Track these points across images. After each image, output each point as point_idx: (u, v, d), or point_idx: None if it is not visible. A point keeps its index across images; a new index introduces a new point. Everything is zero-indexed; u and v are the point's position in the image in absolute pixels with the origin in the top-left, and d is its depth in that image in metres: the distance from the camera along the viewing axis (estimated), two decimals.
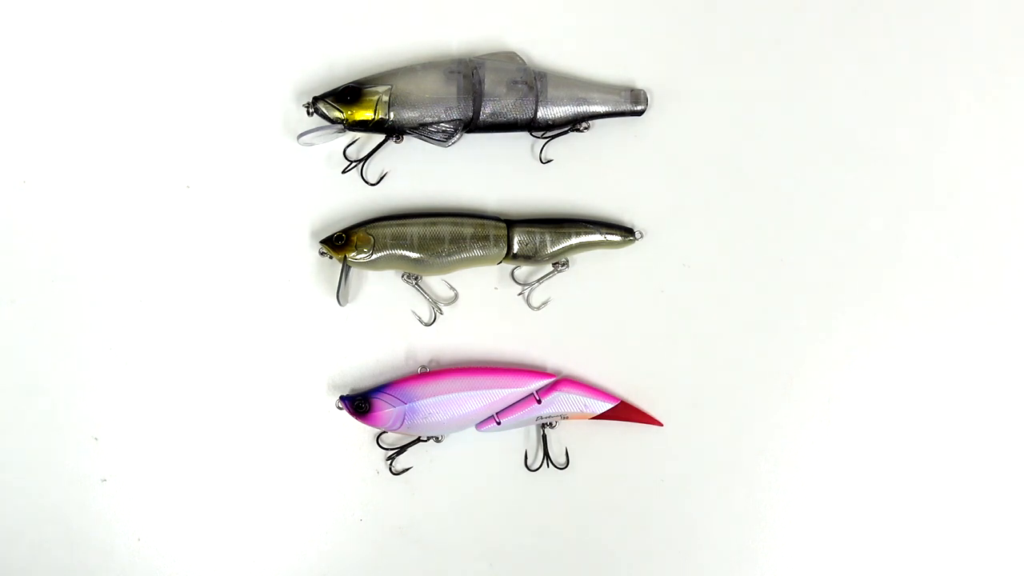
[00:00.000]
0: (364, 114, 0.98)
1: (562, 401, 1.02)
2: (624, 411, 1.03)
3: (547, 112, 1.00)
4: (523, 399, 1.01)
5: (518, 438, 1.05)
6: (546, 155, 1.03)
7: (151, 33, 1.04)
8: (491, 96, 0.99)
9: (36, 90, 1.04)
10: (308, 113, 0.99)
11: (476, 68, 1.00)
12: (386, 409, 1.00)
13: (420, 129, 0.99)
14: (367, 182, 1.03)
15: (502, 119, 1.00)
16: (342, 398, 1.01)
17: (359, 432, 1.04)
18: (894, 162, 1.05)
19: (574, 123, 1.01)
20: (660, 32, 1.05)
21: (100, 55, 1.04)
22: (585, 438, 1.05)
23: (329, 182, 1.03)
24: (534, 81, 1.00)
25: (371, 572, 1.06)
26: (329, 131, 1.00)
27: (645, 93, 1.03)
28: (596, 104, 1.01)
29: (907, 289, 1.05)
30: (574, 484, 1.05)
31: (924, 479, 1.06)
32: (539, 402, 1.01)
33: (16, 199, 1.04)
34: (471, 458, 1.05)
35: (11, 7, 1.04)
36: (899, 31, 1.06)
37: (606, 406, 1.03)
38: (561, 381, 1.03)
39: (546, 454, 1.04)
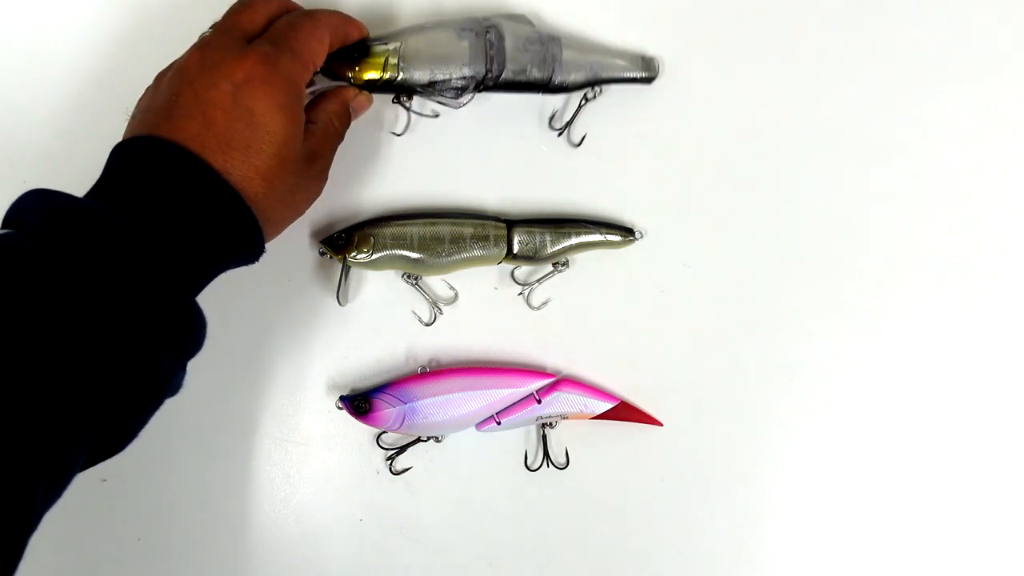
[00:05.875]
0: (371, 73, 0.95)
1: (562, 401, 1.02)
2: (624, 411, 1.03)
3: (560, 74, 0.98)
4: (523, 399, 1.01)
5: (518, 438, 1.05)
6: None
7: (151, 32, 1.04)
8: (503, 55, 0.96)
9: (36, 90, 1.04)
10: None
11: (488, 27, 0.97)
12: (386, 409, 0.99)
13: (430, 87, 0.96)
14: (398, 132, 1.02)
15: (514, 79, 0.97)
16: (342, 398, 1.01)
17: (359, 432, 1.04)
18: (898, 161, 1.05)
19: (586, 87, 0.99)
20: (660, 32, 1.05)
21: (100, 54, 1.04)
22: (585, 438, 1.05)
23: (329, 182, 1.03)
24: (548, 41, 0.98)
25: (371, 572, 1.06)
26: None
27: (657, 61, 1.01)
28: (608, 69, 0.99)
29: (909, 289, 1.05)
30: (574, 484, 1.05)
31: (925, 479, 1.06)
32: (539, 402, 1.01)
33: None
34: (471, 458, 1.05)
35: (11, 7, 1.04)
36: (907, 27, 1.05)
37: (606, 406, 1.02)
38: (561, 381, 1.03)
39: (546, 454, 1.04)
